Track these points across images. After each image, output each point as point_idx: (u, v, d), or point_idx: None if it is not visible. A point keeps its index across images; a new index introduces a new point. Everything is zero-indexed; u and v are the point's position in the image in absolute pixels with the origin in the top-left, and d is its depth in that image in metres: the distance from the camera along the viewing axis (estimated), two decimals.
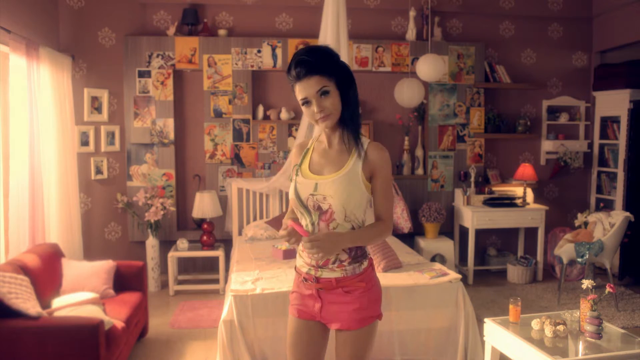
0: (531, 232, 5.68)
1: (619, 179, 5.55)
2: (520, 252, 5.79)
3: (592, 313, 2.75)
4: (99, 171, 5.23)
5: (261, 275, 3.62)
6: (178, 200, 5.46)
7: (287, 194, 5.21)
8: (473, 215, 5.29)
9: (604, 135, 5.84)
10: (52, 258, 3.60)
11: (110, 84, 5.26)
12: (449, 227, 5.73)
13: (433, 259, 5.20)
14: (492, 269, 5.73)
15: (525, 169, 5.49)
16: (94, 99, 5.18)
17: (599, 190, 5.92)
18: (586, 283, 2.85)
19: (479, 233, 5.71)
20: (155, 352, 3.73)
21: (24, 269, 3.15)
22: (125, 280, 3.82)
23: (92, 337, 2.77)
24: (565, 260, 4.72)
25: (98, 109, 5.20)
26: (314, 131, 4.50)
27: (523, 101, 5.92)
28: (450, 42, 5.62)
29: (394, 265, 3.77)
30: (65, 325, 2.82)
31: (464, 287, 3.44)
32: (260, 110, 5.41)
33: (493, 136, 5.75)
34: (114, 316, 3.23)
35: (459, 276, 3.51)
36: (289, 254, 4.10)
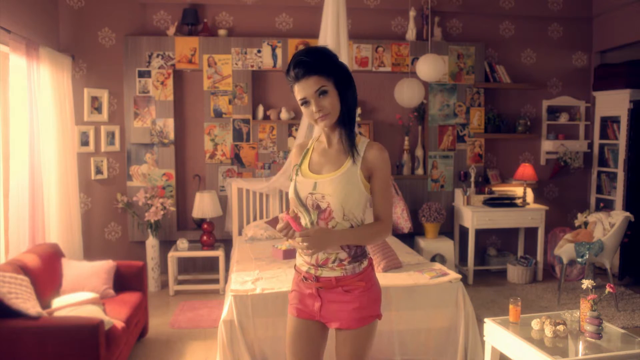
0: (531, 232, 5.68)
1: (619, 179, 5.55)
2: (520, 252, 5.79)
3: (592, 313, 2.76)
4: (99, 171, 5.24)
5: (261, 275, 3.62)
6: (178, 200, 5.46)
7: (287, 194, 5.20)
8: (473, 215, 5.29)
9: (604, 135, 5.84)
10: (52, 258, 3.60)
11: (110, 84, 5.26)
12: (449, 227, 5.73)
13: (433, 259, 5.20)
14: (492, 269, 5.73)
15: (525, 169, 5.49)
16: (94, 99, 5.18)
17: (599, 190, 5.92)
18: (586, 283, 2.85)
19: (479, 233, 5.71)
20: (155, 352, 3.73)
21: (24, 269, 3.15)
22: (125, 280, 3.82)
23: (92, 337, 2.77)
24: (565, 260, 4.72)
25: (98, 109, 5.20)
26: (314, 131, 4.49)
27: (523, 101, 5.92)
28: (450, 42, 5.62)
29: (394, 265, 3.77)
30: (65, 325, 2.82)
31: (464, 287, 3.44)
32: (260, 110, 5.42)
33: (493, 136, 5.75)
34: (114, 316, 3.23)
35: (459, 276, 3.52)
36: (289, 254, 4.09)
